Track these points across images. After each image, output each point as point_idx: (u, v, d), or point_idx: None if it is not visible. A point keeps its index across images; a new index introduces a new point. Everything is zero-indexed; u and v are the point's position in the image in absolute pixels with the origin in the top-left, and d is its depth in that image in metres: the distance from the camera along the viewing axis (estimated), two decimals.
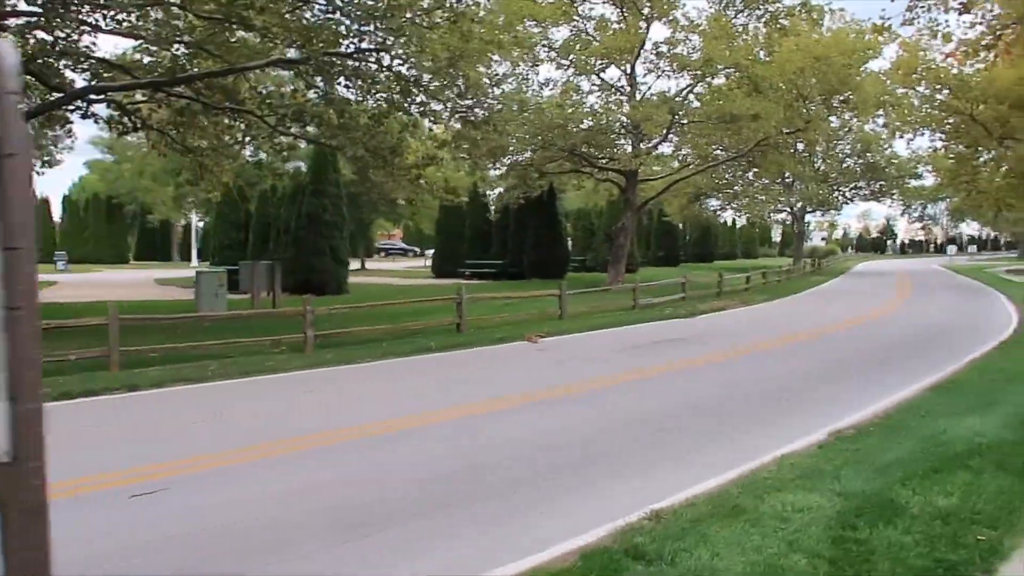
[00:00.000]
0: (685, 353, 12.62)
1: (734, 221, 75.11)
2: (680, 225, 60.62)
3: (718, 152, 29.99)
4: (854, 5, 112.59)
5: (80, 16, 13.15)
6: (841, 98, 27.15)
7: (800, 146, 37.38)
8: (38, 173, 42.81)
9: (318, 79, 15.88)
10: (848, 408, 8.08)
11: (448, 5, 14.59)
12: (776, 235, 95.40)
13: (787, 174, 42.47)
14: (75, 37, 13.85)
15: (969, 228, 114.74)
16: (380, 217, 55.16)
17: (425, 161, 18.72)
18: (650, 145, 29.76)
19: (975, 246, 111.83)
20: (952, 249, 79.30)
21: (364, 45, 14.93)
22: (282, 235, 27.33)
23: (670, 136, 29.80)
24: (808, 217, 55.62)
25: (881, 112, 36.46)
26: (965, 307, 22.29)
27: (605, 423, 7.65)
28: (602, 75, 28.69)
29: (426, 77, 15.94)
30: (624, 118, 26.82)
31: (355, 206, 43.77)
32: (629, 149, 27.69)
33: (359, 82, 15.66)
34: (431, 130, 20.11)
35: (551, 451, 6.51)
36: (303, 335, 12.77)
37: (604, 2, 27.98)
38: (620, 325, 17.09)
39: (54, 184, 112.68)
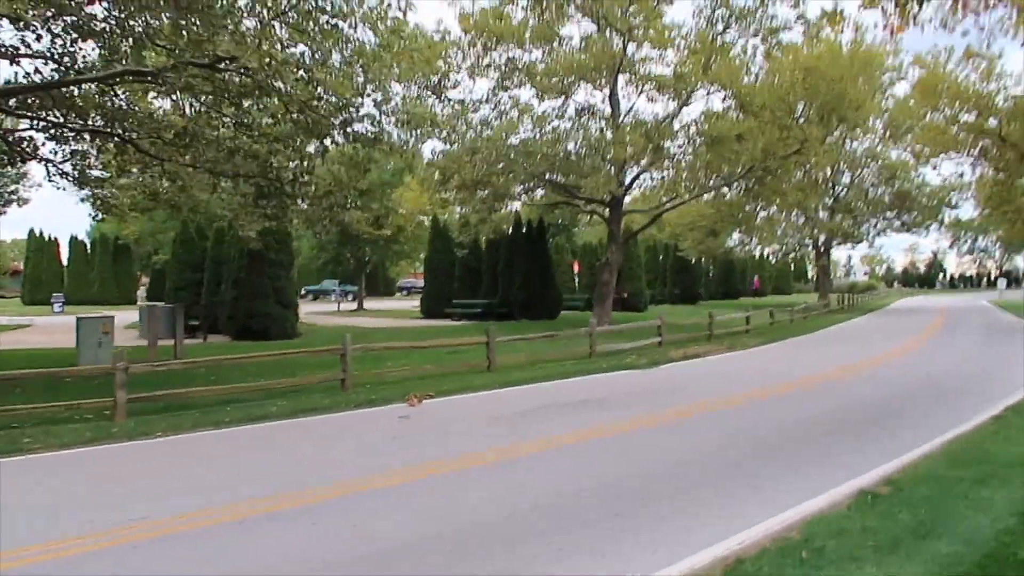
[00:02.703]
0: (589, 420, 9.85)
1: (762, 256, 71.29)
2: (699, 261, 57.48)
3: (709, 181, 27.06)
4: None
5: None
6: (840, 118, 24.05)
7: (812, 174, 34.16)
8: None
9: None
10: (710, 528, 5.33)
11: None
12: (812, 270, 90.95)
13: (813, 205, 39.24)
14: None
15: None
16: (397, 256, 53.44)
17: (337, 188, 16.38)
18: (635, 174, 27.08)
19: None
20: (1002, 283, 73.97)
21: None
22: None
23: (661, 164, 27.07)
24: (848, 252, 52.10)
25: (881, 127, 33.29)
26: (989, 353, 18.94)
27: (338, 553, 4.98)
28: (574, 97, 26.16)
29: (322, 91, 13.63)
30: (592, 143, 24.18)
31: (359, 243, 42.34)
32: (611, 177, 24.94)
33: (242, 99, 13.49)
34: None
35: None
36: (113, 398, 10.36)
37: (583, 18, 25.54)
38: (557, 378, 14.39)
39: (73, 223, 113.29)
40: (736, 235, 47.23)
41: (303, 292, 61.56)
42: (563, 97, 26.22)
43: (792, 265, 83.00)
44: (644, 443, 8.56)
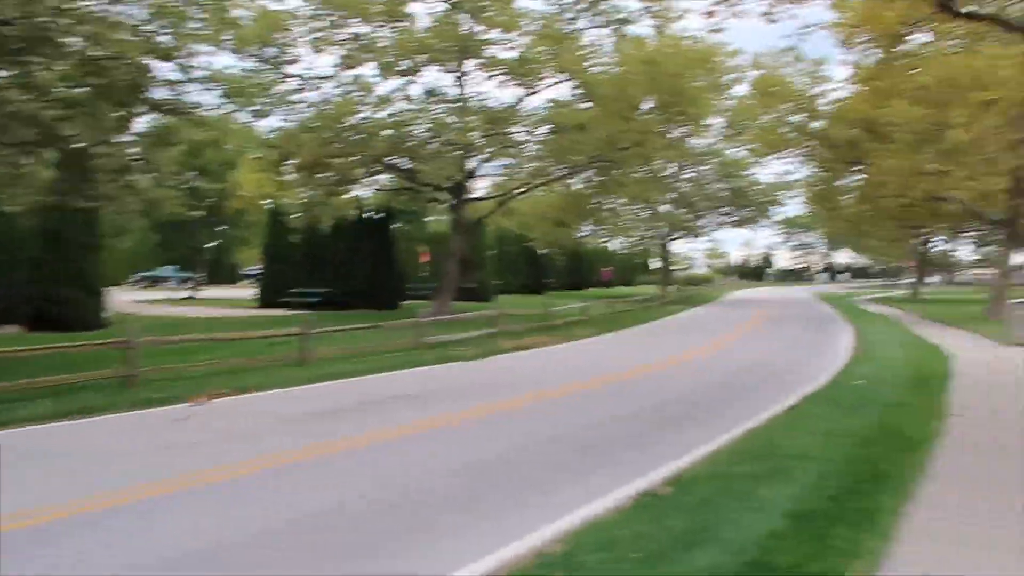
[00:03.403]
0: (386, 420, 9.14)
1: (606, 247, 73.35)
2: (548, 251, 58.26)
3: (554, 169, 27.03)
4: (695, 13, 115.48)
5: None
6: (679, 112, 24.67)
7: (654, 168, 35.11)
8: None
9: None
10: (491, 538, 4.76)
11: None
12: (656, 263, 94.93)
13: (655, 198, 40.47)
14: None
15: (845, 256, 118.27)
16: (238, 242, 50.20)
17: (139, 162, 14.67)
18: (480, 161, 26.58)
19: (848, 274, 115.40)
20: (824, 277, 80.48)
21: None
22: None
23: (507, 151, 26.72)
24: (689, 245, 54.28)
25: (717, 122, 34.87)
26: (801, 342, 20.05)
27: None
28: (421, 78, 25.25)
29: None
30: (430, 125, 23.39)
31: (191, 227, 39.24)
32: (453, 163, 24.25)
33: None
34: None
35: None
36: None
37: None
38: (375, 372, 13.55)
39: None
40: (585, 227, 48.16)
41: (136, 278, 56.79)
42: (409, 78, 25.23)
43: (639, 257, 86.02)
44: (434, 446, 7.94)
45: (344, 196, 26.79)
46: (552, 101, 25.40)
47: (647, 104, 24.83)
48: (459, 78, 25.39)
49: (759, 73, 33.71)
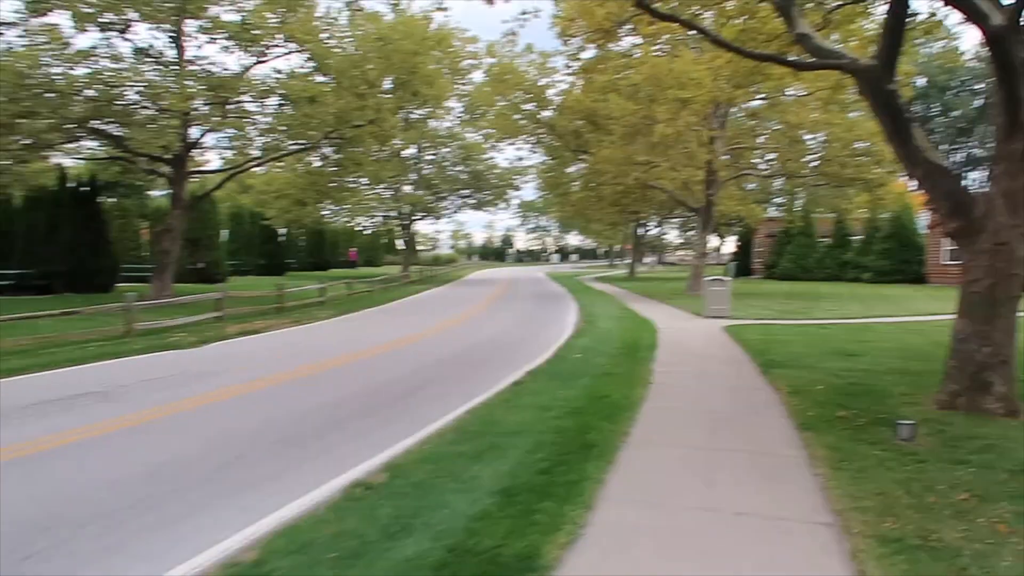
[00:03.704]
0: (59, 424, 7.83)
1: (356, 227, 72.04)
2: (289, 230, 55.68)
3: (289, 143, 25.56)
4: None
5: None
6: (412, 92, 24.60)
7: (391, 147, 34.75)
8: None
9: None
10: (175, 553, 4.07)
11: None
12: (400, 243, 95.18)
13: (390, 178, 40.07)
14: None
15: (575, 238, 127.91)
16: None
17: None
18: (203, 131, 24.30)
19: (578, 255, 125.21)
20: (555, 258, 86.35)
21: None
22: None
23: (234, 122, 24.62)
24: (432, 226, 54.60)
25: (456, 106, 35.65)
26: (531, 318, 21.07)
27: None
28: (132, 35, 22.32)
29: None
30: (142, 89, 20.84)
31: None
32: (169, 130, 21.77)
33: None
34: None
35: None
36: None
37: None
38: (68, 364, 11.71)
39: None
40: (326, 206, 46.52)
41: None
42: (114, 33, 22.14)
43: (384, 237, 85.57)
44: (114, 451, 6.94)
45: (39, 164, 22.97)
46: (279, 71, 23.93)
47: (386, 83, 24.36)
48: (175, 39, 22.92)
49: (494, 61, 34.81)
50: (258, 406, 8.76)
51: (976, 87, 78.19)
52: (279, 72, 23.51)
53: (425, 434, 7.07)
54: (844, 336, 15.33)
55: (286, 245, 56.79)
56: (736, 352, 13.31)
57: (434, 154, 48.66)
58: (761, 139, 33.15)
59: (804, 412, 7.92)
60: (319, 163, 32.32)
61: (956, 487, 5.28)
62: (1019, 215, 7.77)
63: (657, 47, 24.05)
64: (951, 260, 36.16)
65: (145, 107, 21.77)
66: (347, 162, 26.83)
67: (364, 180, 41.00)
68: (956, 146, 75.18)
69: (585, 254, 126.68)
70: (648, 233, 75.55)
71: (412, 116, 43.08)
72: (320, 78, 23.79)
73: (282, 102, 22.47)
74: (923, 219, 40.26)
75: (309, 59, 22.92)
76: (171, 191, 24.87)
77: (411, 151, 47.44)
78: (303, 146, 25.36)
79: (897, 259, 39.93)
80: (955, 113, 77.69)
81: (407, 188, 47.35)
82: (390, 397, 9.30)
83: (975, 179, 70.52)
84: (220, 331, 16.62)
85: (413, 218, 48.93)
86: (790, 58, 10.00)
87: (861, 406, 8.04)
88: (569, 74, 29.99)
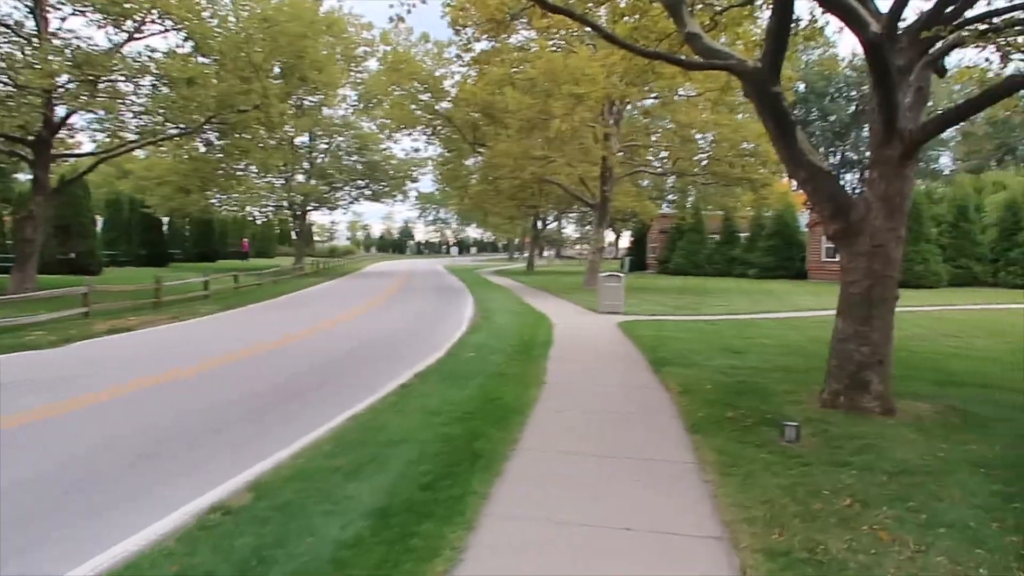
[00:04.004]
0: None
1: (247, 217, 69.04)
2: (174, 219, 52.77)
3: (169, 127, 23.92)
4: None
5: None
6: (301, 76, 23.53)
7: (278, 134, 33.24)
8: None
9: None
10: None
11: None
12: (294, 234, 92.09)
13: (280, 166, 38.44)
14: None
15: (475, 231, 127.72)
16: None
17: None
18: (73, 108, 22.37)
19: (477, 248, 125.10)
20: (455, 251, 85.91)
21: None
22: None
23: (106, 102, 22.78)
24: (329, 216, 52.63)
25: (351, 95, 34.59)
26: (427, 313, 20.61)
27: None
28: None
29: None
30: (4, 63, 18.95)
31: None
32: (26, 108, 19.87)
33: None
34: None
35: None
36: None
37: None
38: None
39: None
40: (213, 194, 44.24)
41: None
42: None
43: (278, 228, 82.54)
44: None
45: None
46: (154, 50, 22.36)
47: (277, 68, 23.17)
48: (33, 10, 20.96)
49: (389, 49, 33.95)
50: (116, 416, 7.96)
51: (851, 94, 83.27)
52: (154, 51, 21.96)
53: (300, 446, 6.56)
54: (731, 332, 15.73)
55: (170, 235, 53.81)
56: (629, 349, 13.36)
57: (328, 143, 47.17)
58: (654, 137, 33.87)
59: (694, 413, 7.90)
60: (204, 149, 30.59)
61: (840, 492, 5.29)
62: (894, 219, 8.01)
63: (552, 42, 24.06)
64: (828, 258, 38.22)
65: (1, 82, 19.83)
66: (232, 149, 25.41)
67: (254, 168, 39.26)
68: (832, 149, 79.81)
69: (485, 247, 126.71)
70: (547, 227, 76.23)
71: (306, 103, 41.58)
72: (202, 59, 22.41)
73: (158, 83, 20.95)
74: (804, 218, 42.39)
75: (188, 38, 21.48)
76: (34, 175, 22.79)
77: (304, 139, 45.78)
78: (183, 130, 23.79)
79: (780, 256, 41.85)
80: (832, 118, 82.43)
81: (300, 177, 45.67)
82: (268, 403, 8.67)
83: (849, 181, 75.12)
84: (86, 329, 15.29)
85: (307, 208, 47.24)
86: (680, 57, 9.99)
87: (749, 405, 8.11)
88: (463, 65, 29.67)
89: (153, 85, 22.24)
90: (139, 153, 38.87)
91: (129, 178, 44.98)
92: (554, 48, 21.93)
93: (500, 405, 8.29)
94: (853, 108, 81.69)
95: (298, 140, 44.35)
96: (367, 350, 13.42)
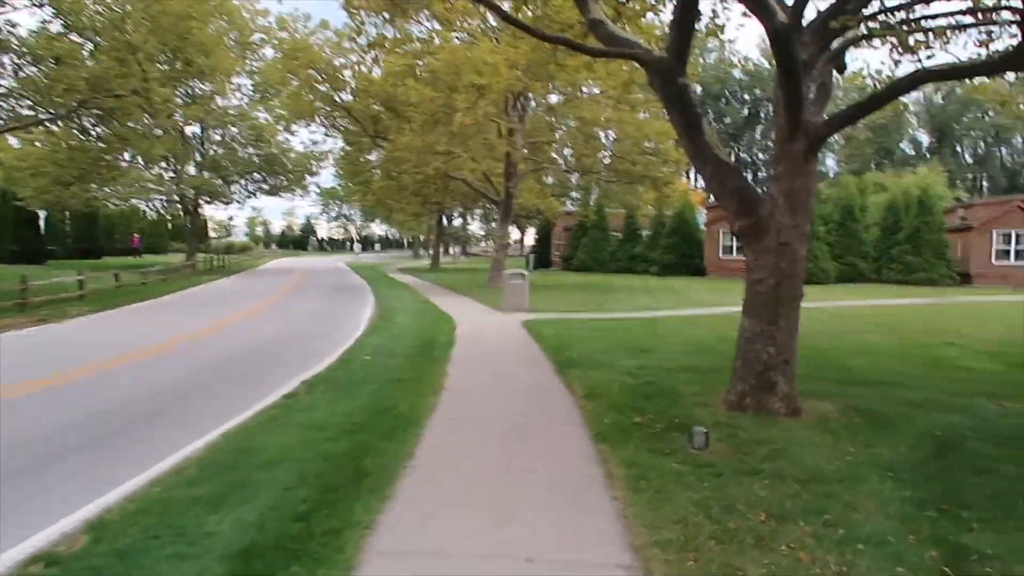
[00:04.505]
0: None
1: (137, 211, 64.97)
2: (53, 213, 48.89)
3: (39, 111, 21.84)
4: None
5: None
6: (186, 60, 21.96)
7: (163, 122, 31.12)
8: None
9: None
10: None
11: None
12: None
13: (161, 156, 36.07)
14: None
15: (379, 228, 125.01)
16: None
17: None
18: None
19: (381, 245, 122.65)
20: (358, 247, 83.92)
21: None
22: None
23: None
24: (225, 211, 50.00)
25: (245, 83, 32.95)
26: (325, 313, 19.61)
27: None
28: None
29: None
30: None
31: None
32: None
33: None
34: None
35: None
36: None
37: None
38: None
39: None
40: (95, 186, 41.17)
41: None
42: None
43: (170, 223, 78.16)
44: None
45: None
46: (15, 24, 20.41)
47: (146, 44, 21.43)
48: None
49: (286, 35, 32.43)
50: None
51: (744, 97, 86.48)
52: (15, 26, 20.00)
53: (158, 471, 5.72)
54: (637, 331, 15.56)
55: (48, 230, 49.85)
56: (534, 350, 12.93)
57: (222, 134, 44.87)
58: (559, 134, 33.76)
59: (601, 419, 7.49)
60: (83, 137, 28.28)
61: (754, 506, 4.94)
62: (799, 216, 7.85)
63: (456, 35, 23.43)
64: (725, 255, 39.30)
65: None
66: (111, 137, 23.47)
67: (141, 159, 36.83)
68: (727, 150, 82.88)
69: (390, 244, 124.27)
70: (452, 224, 75.48)
71: (197, 91, 39.27)
72: (75, 38, 20.54)
73: (21, 61, 19.06)
74: (703, 217, 43.44)
75: (57, 14, 19.62)
76: None
77: (196, 130, 43.36)
78: (52, 115, 21.77)
79: (680, 253, 42.68)
80: (727, 120, 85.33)
81: (191, 170, 43.21)
82: (124, 422, 7.69)
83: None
84: None
85: (199, 202, 44.76)
86: (585, 44, 9.60)
87: (657, 409, 7.77)
88: (362, 51, 28.62)
89: (16, 65, 20.26)
90: (13, 141, 35.78)
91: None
92: (457, 39, 21.31)
93: (394, 415, 7.64)
94: (747, 111, 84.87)
95: (189, 130, 41.92)
96: (254, 355, 12.45)
